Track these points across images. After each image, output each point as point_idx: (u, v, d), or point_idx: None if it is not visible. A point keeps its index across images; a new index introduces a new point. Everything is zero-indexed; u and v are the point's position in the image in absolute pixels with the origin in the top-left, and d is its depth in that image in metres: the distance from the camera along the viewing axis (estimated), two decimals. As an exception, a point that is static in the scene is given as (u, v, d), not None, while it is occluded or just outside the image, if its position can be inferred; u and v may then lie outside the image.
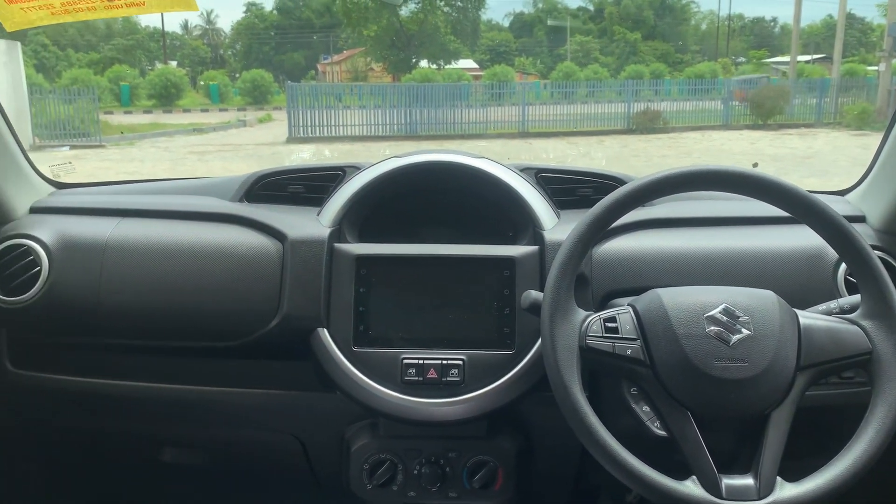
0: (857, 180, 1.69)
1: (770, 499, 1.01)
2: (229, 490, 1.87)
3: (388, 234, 1.48)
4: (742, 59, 38.93)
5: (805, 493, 1.01)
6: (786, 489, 1.02)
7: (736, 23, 49.98)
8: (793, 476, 1.04)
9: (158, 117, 21.51)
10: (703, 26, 48.53)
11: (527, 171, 1.57)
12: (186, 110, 24.38)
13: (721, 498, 1.01)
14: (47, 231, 1.49)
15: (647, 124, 17.31)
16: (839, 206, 1.59)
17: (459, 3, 37.55)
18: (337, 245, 1.41)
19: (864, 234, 1.48)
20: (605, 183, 1.57)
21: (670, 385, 1.07)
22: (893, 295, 1.09)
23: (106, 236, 1.47)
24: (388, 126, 17.21)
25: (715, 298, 1.11)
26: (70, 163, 1.79)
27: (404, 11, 33.62)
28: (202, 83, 31.42)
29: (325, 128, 16.74)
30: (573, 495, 1.66)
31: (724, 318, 1.08)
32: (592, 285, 1.38)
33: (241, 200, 1.60)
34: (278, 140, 15.96)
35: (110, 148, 14.44)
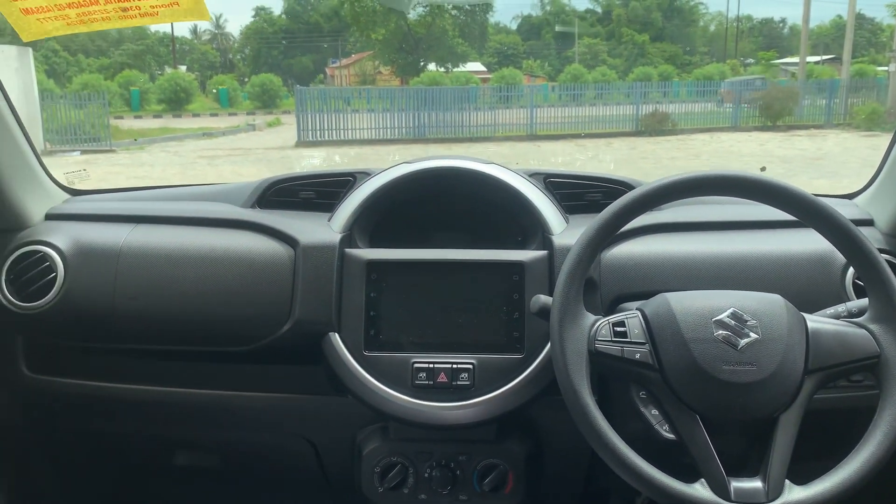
0: (865, 183, 1.69)
1: (778, 501, 1.02)
2: (242, 492, 1.89)
3: (399, 240, 1.49)
4: (751, 61, 38.78)
5: (813, 496, 1.02)
6: (794, 492, 1.03)
7: (744, 24, 49.82)
8: (801, 479, 1.05)
9: (168, 122, 21.61)
10: (712, 28, 48.38)
11: (535, 177, 1.58)
12: (196, 115, 24.48)
13: (730, 501, 1.02)
14: (62, 237, 1.51)
15: (656, 126, 17.25)
16: (847, 210, 1.59)
17: (467, 7, 37.59)
18: (348, 250, 1.43)
19: (872, 238, 1.48)
20: (613, 188, 1.58)
21: (679, 389, 1.08)
22: None
23: (120, 242, 1.49)
24: (396, 129, 17.21)
25: (723, 302, 1.12)
26: (84, 170, 1.81)
27: (412, 15, 33.63)
28: (212, 88, 31.55)
29: (334, 131, 16.75)
30: (583, 498, 1.66)
31: (733, 322, 1.09)
32: (601, 289, 1.39)
33: (253, 206, 1.62)
34: (287, 144, 16.00)
35: (121, 153, 14.51)
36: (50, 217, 1.63)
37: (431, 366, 1.36)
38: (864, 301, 1.16)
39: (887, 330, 1.10)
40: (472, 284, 1.41)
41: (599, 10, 45.90)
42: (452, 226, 1.59)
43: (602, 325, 1.13)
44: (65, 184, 1.76)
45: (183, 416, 1.59)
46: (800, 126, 17.89)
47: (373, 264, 1.41)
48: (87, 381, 1.55)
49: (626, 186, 1.57)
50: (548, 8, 47.02)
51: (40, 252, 1.49)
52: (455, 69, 34.98)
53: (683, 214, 1.53)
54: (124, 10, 1.30)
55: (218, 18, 46.90)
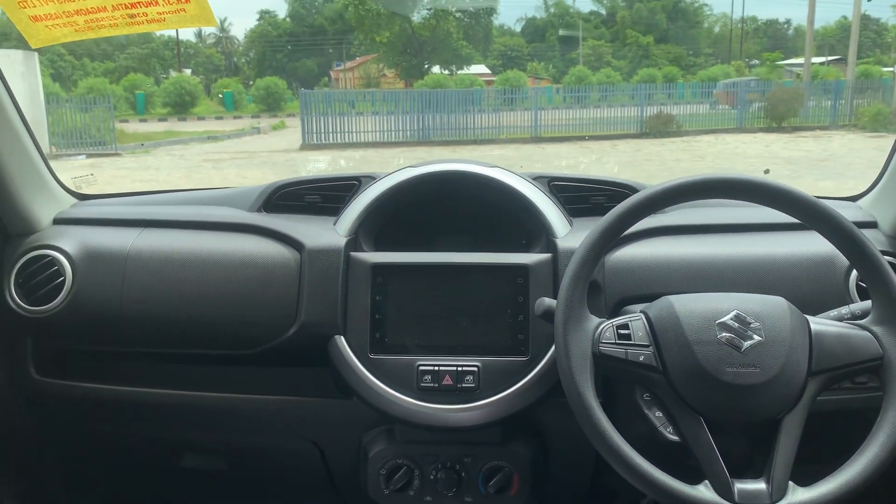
0: (869, 185, 1.70)
1: (782, 503, 1.02)
2: (249, 495, 1.89)
3: (404, 243, 1.50)
4: (756, 62, 38.72)
5: (817, 497, 1.02)
6: (798, 493, 1.03)
7: (749, 25, 49.80)
8: (805, 481, 1.05)
9: (173, 125, 21.70)
10: (717, 29, 48.39)
11: (539, 180, 1.59)
12: (201, 118, 24.58)
13: (733, 502, 1.02)
14: (71, 242, 1.53)
15: (661, 128, 17.25)
16: (850, 212, 1.59)
17: (471, 9, 37.63)
18: (353, 254, 1.44)
19: (876, 240, 1.48)
20: (617, 191, 1.59)
21: (683, 391, 1.08)
22: None
23: (128, 247, 1.50)
24: (400, 132, 17.25)
25: (726, 305, 1.12)
26: (92, 174, 1.82)
27: (416, 18, 33.76)
28: (217, 91, 31.65)
29: (339, 134, 16.79)
30: (588, 500, 1.67)
31: (736, 324, 1.10)
32: (605, 292, 1.40)
33: (259, 210, 1.63)
34: (292, 147, 16.04)
35: (126, 156, 14.58)
36: (58, 221, 1.64)
37: (437, 368, 1.37)
38: (868, 303, 1.16)
39: (890, 332, 1.10)
40: (476, 287, 1.42)
41: (604, 11, 45.97)
42: (457, 229, 1.60)
43: (606, 327, 1.13)
44: (72, 188, 1.78)
45: (189, 419, 1.60)
46: (805, 127, 17.87)
47: (378, 268, 1.42)
48: (94, 383, 1.56)
49: (629, 190, 1.58)
50: (552, 10, 47.09)
51: (49, 256, 1.50)
52: (459, 72, 35.06)
53: (687, 217, 1.54)
54: (132, 16, 1.32)
55: (223, 22, 47.07)
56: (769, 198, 1.16)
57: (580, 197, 1.60)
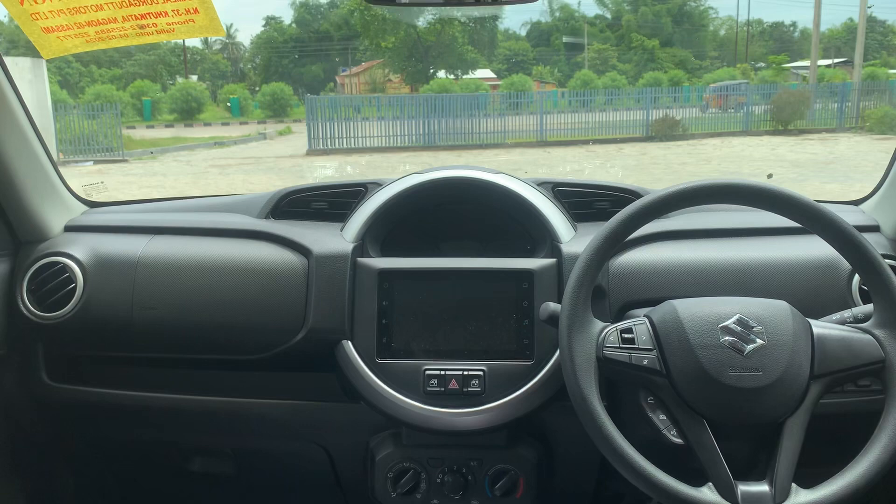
0: (872, 189, 1.70)
1: None
2: (256, 498, 1.91)
3: (409, 249, 1.52)
4: (762, 65, 38.63)
5: (820, 499, 1.03)
6: (801, 495, 1.04)
7: (755, 28, 49.66)
8: (808, 483, 1.06)
9: (180, 131, 21.78)
10: (722, 32, 48.28)
11: (544, 185, 1.60)
12: (207, 124, 24.67)
13: None
14: (82, 249, 1.55)
15: (667, 131, 17.24)
16: (853, 216, 1.60)
17: (477, 14, 37.65)
18: (360, 259, 1.45)
19: (878, 244, 1.49)
20: (621, 196, 1.60)
21: (686, 394, 1.10)
22: None
23: (138, 253, 1.53)
24: (406, 137, 17.28)
25: (729, 309, 1.13)
26: (102, 182, 1.84)
27: (421, 23, 33.82)
28: (223, 97, 31.76)
29: (345, 139, 16.84)
30: (593, 503, 1.68)
31: (738, 328, 1.11)
32: (609, 297, 1.41)
33: (267, 217, 1.65)
34: (298, 153, 16.08)
35: (133, 162, 14.65)
36: (69, 229, 1.66)
37: (443, 373, 1.38)
38: (869, 307, 1.17)
39: (892, 335, 1.11)
40: (482, 292, 1.43)
41: (609, 15, 45.92)
42: (462, 234, 1.61)
43: (610, 331, 1.15)
44: (83, 196, 1.80)
45: (198, 423, 1.62)
46: (811, 130, 17.83)
47: (384, 273, 1.43)
48: (105, 388, 1.58)
49: (633, 195, 1.59)
50: (557, 14, 47.10)
51: (60, 263, 1.53)
52: (465, 76, 35.08)
53: (690, 222, 1.55)
54: (142, 27, 1.34)
55: (229, 28, 47.21)
56: (771, 202, 1.17)
57: (584, 202, 1.61)
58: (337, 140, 16.78)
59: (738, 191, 1.17)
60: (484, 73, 37.04)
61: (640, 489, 1.07)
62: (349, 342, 1.41)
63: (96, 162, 14.34)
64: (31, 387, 1.59)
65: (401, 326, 1.42)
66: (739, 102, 19.31)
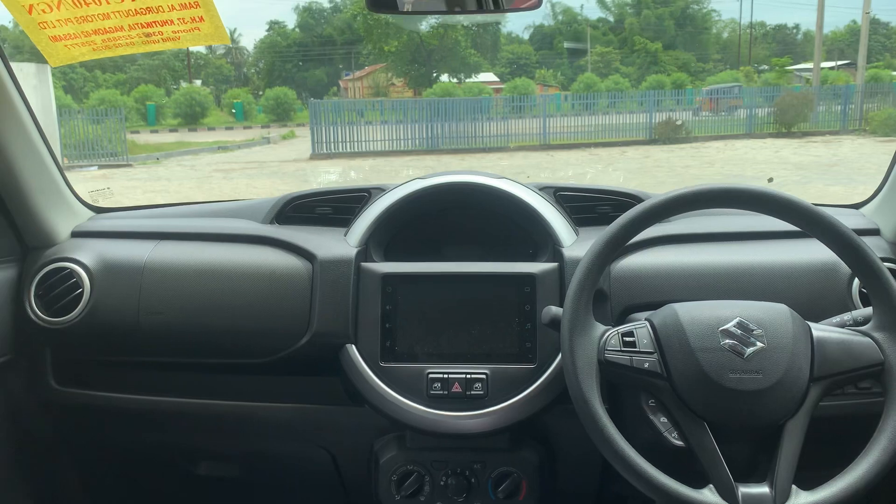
0: (872, 193, 1.71)
1: None
2: (262, 501, 1.92)
3: (413, 253, 1.53)
4: (765, 67, 38.59)
5: (820, 501, 1.04)
6: (801, 497, 1.05)
7: (758, 30, 49.64)
8: (809, 485, 1.07)
9: (184, 136, 21.85)
10: (725, 34, 48.22)
11: (546, 190, 1.62)
12: (211, 128, 24.75)
13: None
14: (88, 254, 1.57)
15: (670, 134, 17.23)
16: (853, 220, 1.61)
17: (479, 20, 37.63)
18: (364, 264, 1.47)
19: (878, 247, 1.50)
20: (622, 200, 1.61)
21: (687, 397, 1.11)
22: None
23: (144, 259, 1.54)
24: (409, 140, 17.30)
25: (729, 312, 1.14)
26: (108, 188, 1.86)
27: (424, 27, 33.84)
28: (227, 101, 31.84)
29: (348, 143, 16.86)
30: None
31: (739, 331, 1.12)
32: (611, 300, 1.42)
33: (271, 222, 1.66)
34: (302, 156, 16.11)
35: (137, 167, 14.70)
36: (76, 234, 1.68)
37: (446, 376, 1.39)
38: (869, 310, 1.18)
39: (891, 338, 1.12)
40: (484, 296, 1.44)
41: (612, 18, 45.90)
42: (465, 239, 1.62)
43: (611, 335, 1.16)
44: (89, 202, 1.81)
45: (204, 427, 1.63)
46: (815, 132, 17.81)
47: (388, 277, 1.45)
48: (112, 393, 1.59)
49: (634, 199, 1.60)
50: (560, 17, 47.07)
51: (67, 269, 1.54)
52: (468, 80, 35.10)
53: (690, 226, 1.56)
54: (148, 35, 1.35)
55: (232, 33, 47.27)
56: (771, 207, 1.18)
57: (586, 206, 1.62)
58: (341, 144, 16.81)
59: (738, 195, 1.18)
60: (487, 76, 37.05)
61: (641, 491, 1.08)
62: (353, 346, 1.42)
63: (101, 167, 14.39)
64: (38, 391, 1.61)
65: (404, 330, 1.43)
66: (731, 105, 19.29)
